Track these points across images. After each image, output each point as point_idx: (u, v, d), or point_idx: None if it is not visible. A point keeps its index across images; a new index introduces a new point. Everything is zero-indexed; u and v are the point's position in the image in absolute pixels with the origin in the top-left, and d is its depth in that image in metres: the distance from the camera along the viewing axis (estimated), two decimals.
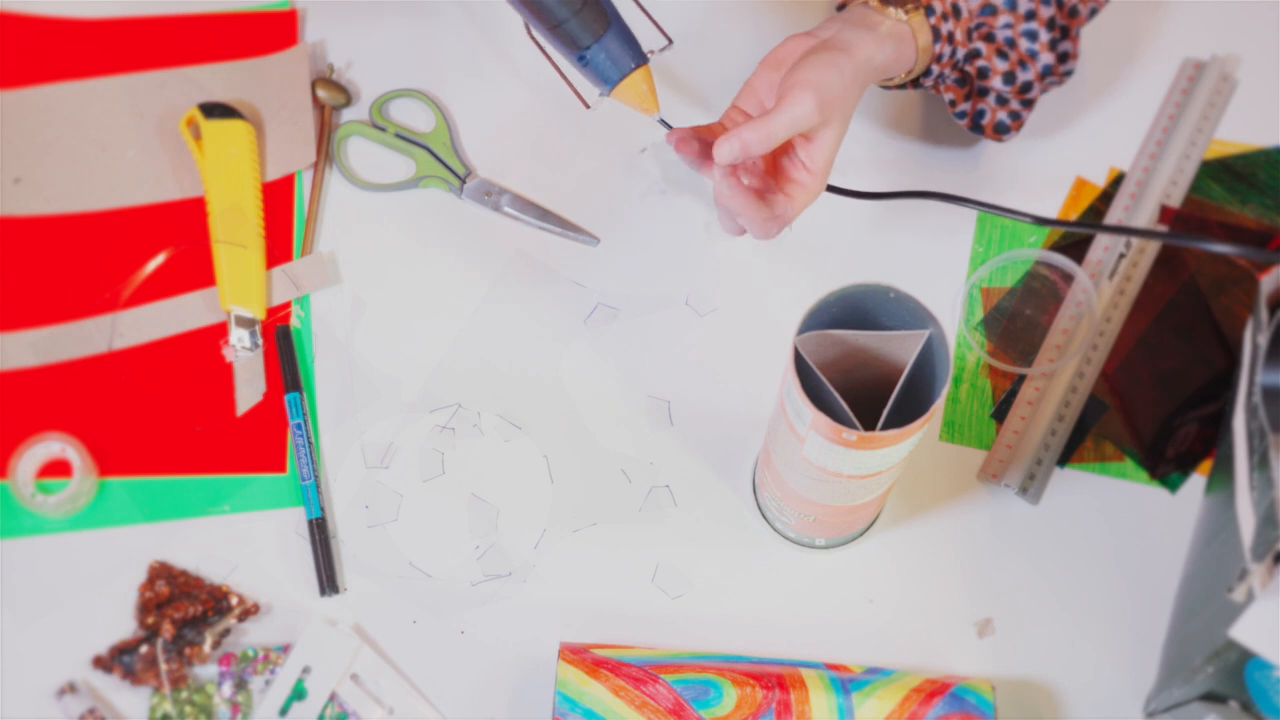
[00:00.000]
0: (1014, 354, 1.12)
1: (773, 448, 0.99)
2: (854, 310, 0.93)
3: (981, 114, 1.11)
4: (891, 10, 1.03)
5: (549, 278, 1.13)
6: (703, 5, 1.20)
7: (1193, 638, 0.99)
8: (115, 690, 1.02)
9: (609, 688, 0.98)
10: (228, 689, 1.02)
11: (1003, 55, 1.09)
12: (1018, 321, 1.13)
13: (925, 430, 0.93)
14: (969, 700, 0.99)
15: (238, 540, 1.05)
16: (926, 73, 1.08)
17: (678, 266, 1.13)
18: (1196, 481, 1.10)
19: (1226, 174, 1.17)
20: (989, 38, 1.08)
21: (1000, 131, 1.12)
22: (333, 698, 1.02)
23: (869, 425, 0.92)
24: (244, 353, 1.10)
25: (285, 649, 1.03)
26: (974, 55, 1.08)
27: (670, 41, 1.07)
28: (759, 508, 1.08)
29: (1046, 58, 1.09)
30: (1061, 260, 1.14)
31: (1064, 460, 1.10)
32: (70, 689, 1.01)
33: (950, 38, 1.06)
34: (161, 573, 1.04)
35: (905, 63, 1.05)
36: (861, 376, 0.95)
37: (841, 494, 0.97)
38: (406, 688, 1.02)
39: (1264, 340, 0.98)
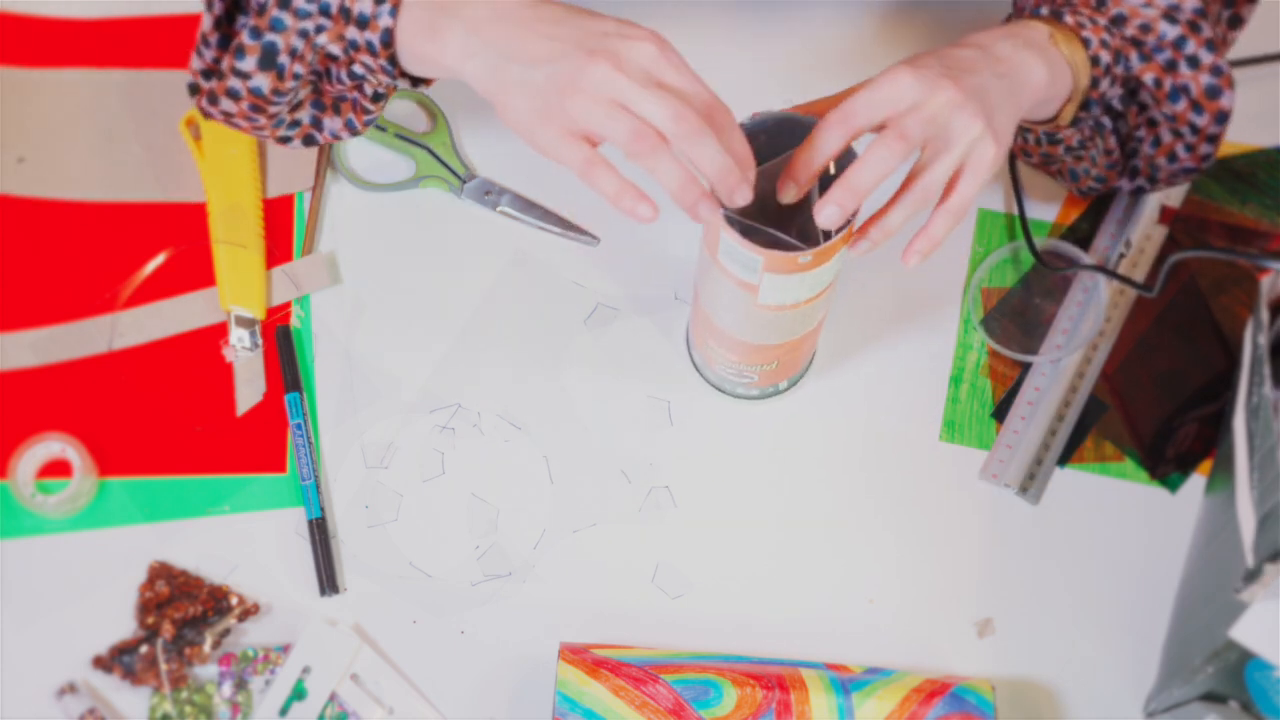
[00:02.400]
0: (1019, 344, 1.12)
1: (715, 316, 1.00)
2: (765, 147, 0.94)
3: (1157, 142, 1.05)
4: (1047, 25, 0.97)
5: (549, 278, 1.13)
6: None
7: (1193, 638, 0.99)
8: (115, 690, 1.02)
9: (609, 688, 0.98)
10: (228, 689, 1.02)
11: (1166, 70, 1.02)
12: (1025, 311, 1.13)
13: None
14: (969, 700, 0.99)
15: (238, 540, 1.05)
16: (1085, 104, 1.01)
17: (678, 266, 1.13)
18: (1196, 481, 1.10)
19: (1226, 174, 1.17)
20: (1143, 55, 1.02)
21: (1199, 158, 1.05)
22: (333, 698, 1.02)
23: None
24: (244, 353, 1.10)
25: (285, 649, 1.03)
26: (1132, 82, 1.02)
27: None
28: (711, 384, 1.09)
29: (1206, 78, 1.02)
30: (1068, 248, 1.14)
31: (1064, 460, 1.10)
32: (70, 689, 1.01)
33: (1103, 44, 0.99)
34: (161, 573, 1.04)
35: (1062, 85, 0.98)
36: (773, 210, 0.95)
37: (799, 324, 1.00)
38: (406, 688, 1.02)
39: (1265, 341, 0.98)
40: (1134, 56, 1.01)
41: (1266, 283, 1.00)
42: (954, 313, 1.13)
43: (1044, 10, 1.02)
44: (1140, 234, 1.15)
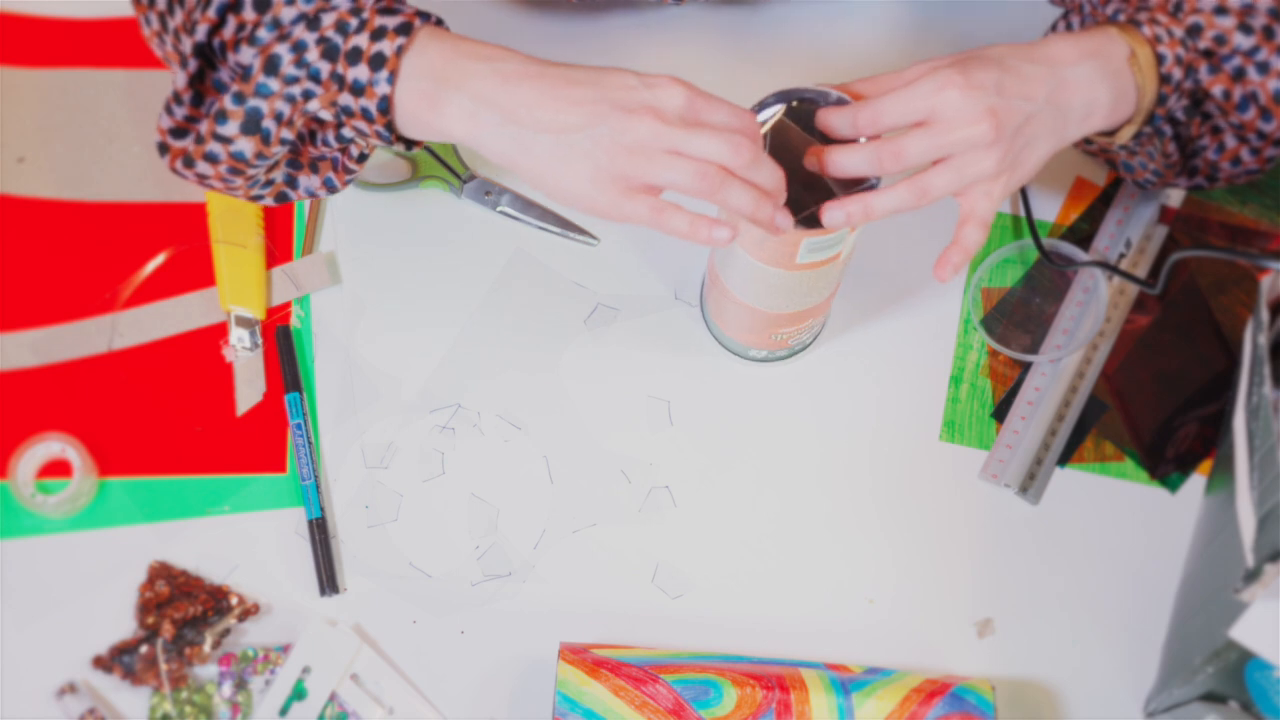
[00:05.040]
0: (1019, 344, 1.12)
1: (749, 286, 1.01)
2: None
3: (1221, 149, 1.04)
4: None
5: (549, 278, 1.13)
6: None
7: (1193, 638, 0.99)
8: (115, 690, 1.02)
9: (609, 688, 0.98)
10: (228, 689, 1.02)
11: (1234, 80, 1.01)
12: (1026, 309, 1.13)
13: None
14: (969, 700, 0.99)
15: (238, 540, 1.05)
16: (1150, 118, 1.00)
17: (678, 266, 1.13)
18: (1196, 481, 1.10)
19: None
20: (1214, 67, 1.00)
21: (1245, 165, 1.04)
22: (333, 698, 1.02)
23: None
24: (244, 353, 1.10)
25: (285, 649, 1.03)
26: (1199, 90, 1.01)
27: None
28: (732, 350, 1.11)
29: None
30: (1068, 248, 1.14)
31: (1064, 460, 1.10)
32: (70, 689, 1.01)
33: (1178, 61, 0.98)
34: (161, 573, 1.04)
35: (1125, 104, 0.97)
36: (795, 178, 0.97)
37: (828, 282, 1.01)
38: (406, 688, 1.02)
39: (1265, 341, 0.98)
40: (1204, 69, 0.99)
41: (1266, 283, 1.00)
42: (954, 313, 1.13)
43: (1120, 16, 1.00)
44: (1140, 234, 1.15)
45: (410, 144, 0.95)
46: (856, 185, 0.94)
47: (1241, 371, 1.02)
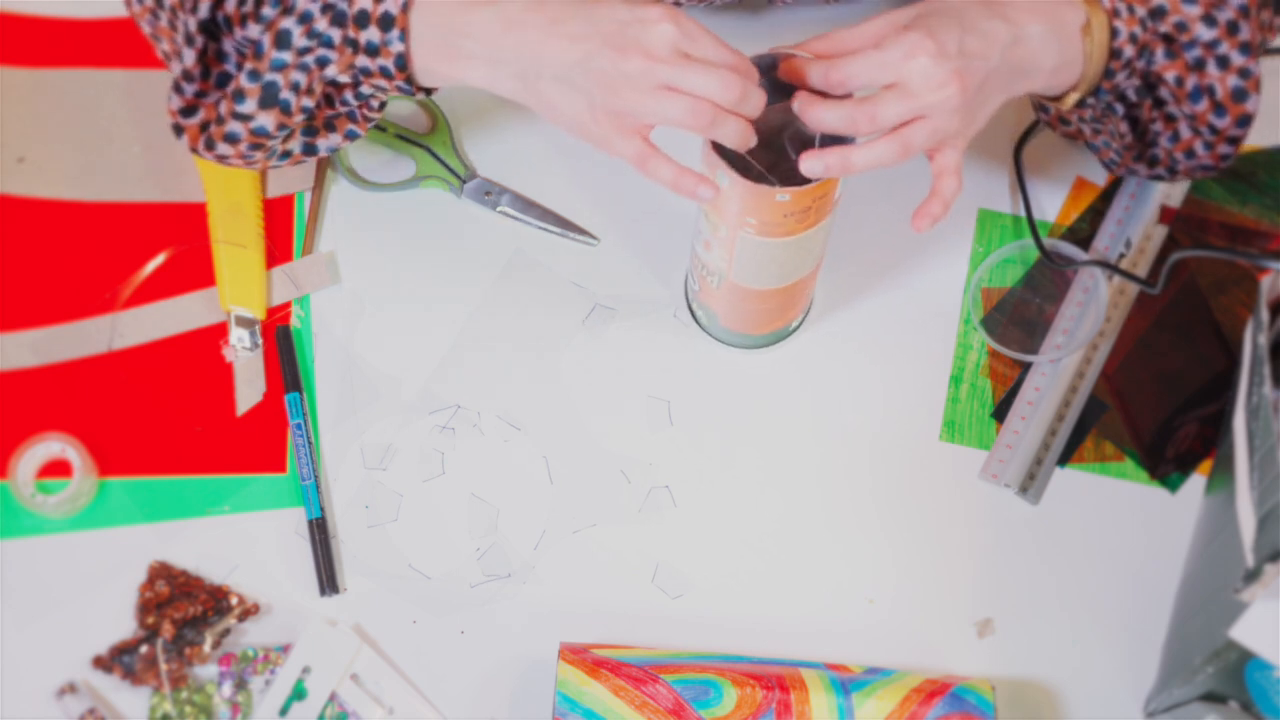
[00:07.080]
0: (1019, 344, 1.12)
1: (746, 265, 1.01)
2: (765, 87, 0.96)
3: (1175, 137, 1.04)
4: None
5: (549, 278, 1.13)
6: None
7: (1193, 638, 0.99)
8: (115, 690, 1.02)
9: (609, 688, 0.98)
10: (228, 689, 1.02)
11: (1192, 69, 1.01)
12: (1026, 309, 1.13)
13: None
14: (969, 700, 0.99)
15: (238, 540, 1.05)
16: (1096, 91, 1.00)
17: (677, 267, 1.13)
18: (1196, 481, 1.10)
19: (1226, 174, 1.17)
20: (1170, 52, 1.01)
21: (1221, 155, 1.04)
22: (333, 698, 1.02)
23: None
24: (244, 353, 1.10)
25: (285, 649, 1.03)
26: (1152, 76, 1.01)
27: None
28: (718, 338, 1.11)
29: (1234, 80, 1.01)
30: (1068, 248, 1.14)
31: (1064, 460, 1.10)
32: (70, 689, 1.01)
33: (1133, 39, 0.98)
34: (161, 573, 1.04)
35: (1070, 66, 0.98)
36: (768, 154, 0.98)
37: (814, 250, 1.01)
38: (406, 688, 1.02)
39: (1265, 341, 0.98)
40: (1159, 52, 1.00)
41: (1266, 283, 1.00)
42: (954, 313, 1.13)
43: None
44: (1140, 234, 1.15)
45: (429, 91, 0.98)
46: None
47: (1241, 371, 1.02)
